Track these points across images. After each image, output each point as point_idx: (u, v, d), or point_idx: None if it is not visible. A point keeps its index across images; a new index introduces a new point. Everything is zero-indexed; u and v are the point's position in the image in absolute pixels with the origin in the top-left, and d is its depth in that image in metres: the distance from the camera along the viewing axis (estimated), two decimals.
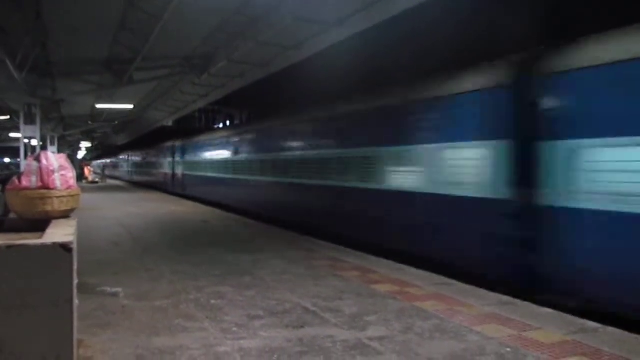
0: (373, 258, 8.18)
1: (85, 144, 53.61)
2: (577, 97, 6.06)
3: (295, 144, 13.76)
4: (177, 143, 27.29)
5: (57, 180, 3.88)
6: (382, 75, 15.17)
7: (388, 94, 10.00)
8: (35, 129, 17.78)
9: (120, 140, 51.22)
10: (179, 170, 26.40)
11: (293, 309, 5.27)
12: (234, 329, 4.63)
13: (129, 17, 10.82)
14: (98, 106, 21.46)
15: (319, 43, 12.04)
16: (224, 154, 19.82)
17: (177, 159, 26.92)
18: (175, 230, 11.95)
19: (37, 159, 3.93)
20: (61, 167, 3.97)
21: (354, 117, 10.98)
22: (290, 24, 10.31)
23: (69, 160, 4.16)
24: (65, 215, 3.94)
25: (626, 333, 4.54)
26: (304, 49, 12.65)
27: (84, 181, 40.24)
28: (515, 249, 6.63)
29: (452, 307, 5.33)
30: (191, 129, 30.44)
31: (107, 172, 57.42)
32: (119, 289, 5.99)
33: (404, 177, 9.11)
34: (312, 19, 10.26)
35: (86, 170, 45.01)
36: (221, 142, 20.35)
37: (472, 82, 7.74)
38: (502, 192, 6.94)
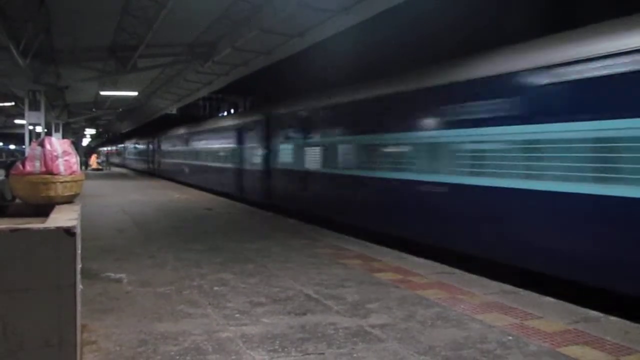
0: (376, 247, 8.19)
1: (89, 131, 53.70)
2: (273, 128, 14.54)
3: (194, 143, 23.88)
4: (155, 136, 34.37)
5: (60, 165, 3.88)
6: (383, 65, 15.08)
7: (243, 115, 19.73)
8: (40, 116, 17.81)
9: (124, 127, 51.28)
10: (157, 158, 33.74)
11: (295, 296, 5.28)
12: (237, 315, 4.65)
13: (132, 4, 10.77)
14: (102, 93, 21.46)
15: (324, 31, 11.96)
16: (175, 146, 28.01)
17: (155, 149, 34.18)
18: (179, 217, 11.98)
19: (41, 144, 3.93)
20: (65, 153, 3.96)
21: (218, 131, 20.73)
22: (295, 10, 10.23)
23: (72, 146, 4.15)
24: (68, 200, 3.95)
25: (629, 322, 4.53)
26: (308, 37, 12.57)
27: (88, 168, 40.36)
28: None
29: (454, 296, 5.34)
30: (173, 122, 32.16)
31: (110, 160, 57.53)
32: (123, 275, 6.03)
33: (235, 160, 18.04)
34: (317, 5, 10.18)
35: (93, 158, 45.16)
36: (174, 137, 28.29)
37: (253, 118, 16.71)
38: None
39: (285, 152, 13.63)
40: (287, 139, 13.48)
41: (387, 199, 9.36)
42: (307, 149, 12.36)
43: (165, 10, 10.38)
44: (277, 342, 4.00)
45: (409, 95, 8.86)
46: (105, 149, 71.62)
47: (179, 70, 18.65)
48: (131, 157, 48.78)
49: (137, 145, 45.18)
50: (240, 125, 17.49)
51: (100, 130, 58.01)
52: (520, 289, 5.64)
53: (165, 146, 31.13)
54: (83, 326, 3.93)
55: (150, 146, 36.39)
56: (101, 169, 42.60)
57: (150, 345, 3.88)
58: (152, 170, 35.24)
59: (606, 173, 5.52)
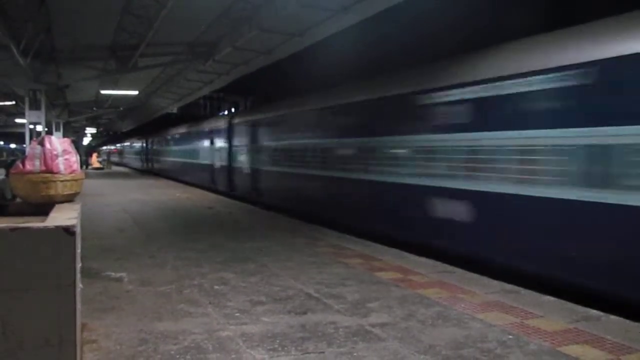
0: (377, 246, 8.18)
1: (90, 130, 53.71)
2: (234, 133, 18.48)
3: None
4: (236, 120, 18.78)
5: (60, 164, 3.87)
6: (384, 63, 15.06)
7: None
8: (40, 115, 17.79)
9: (125, 126, 51.24)
10: (242, 163, 17.60)
11: (296, 295, 5.28)
12: (237, 314, 4.65)
13: (133, 3, 10.77)
14: (103, 92, 21.46)
15: (324, 30, 11.94)
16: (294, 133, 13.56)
17: (238, 144, 18.25)
18: (179, 216, 11.99)
19: (41, 143, 3.92)
20: (64, 152, 3.96)
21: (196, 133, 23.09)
22: (295, 10, 10.22)
23: (72, 145, 4.15)
24: (68, 199, 3.95)
25: (629, 321, 4.53)
26: (309, 36, 12.55)
27: (89, 167, 40.43)
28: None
29: (454, 295, 5.34)
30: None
31: (112, 159, 57.44)
32: (123, 274, 6.03)
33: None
34: (317, 5, 10.16)
35: (93, 157, 45.30)
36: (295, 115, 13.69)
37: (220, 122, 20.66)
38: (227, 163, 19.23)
39: None
40: None
41: None
42: None
43: (166, 10, 10.37)
44: (277, 341, 4.00)
45: None
46: (110, 147, 70.28)
47: (180, 70, 18.63)
48: (158, 158, 34.06)
49: (177, 142, 28.48)
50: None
51: (101, 129, 57.94)
52: (521, 288, 5.64)
53: (271, 137, 15.04)
54: (83, 325, 3.93)
55: (220, 141, 20.05)
56: (102, 168, 42.69)
57: (150, 344, 3.89)
58: (218, 185, 20.11)
59: None
